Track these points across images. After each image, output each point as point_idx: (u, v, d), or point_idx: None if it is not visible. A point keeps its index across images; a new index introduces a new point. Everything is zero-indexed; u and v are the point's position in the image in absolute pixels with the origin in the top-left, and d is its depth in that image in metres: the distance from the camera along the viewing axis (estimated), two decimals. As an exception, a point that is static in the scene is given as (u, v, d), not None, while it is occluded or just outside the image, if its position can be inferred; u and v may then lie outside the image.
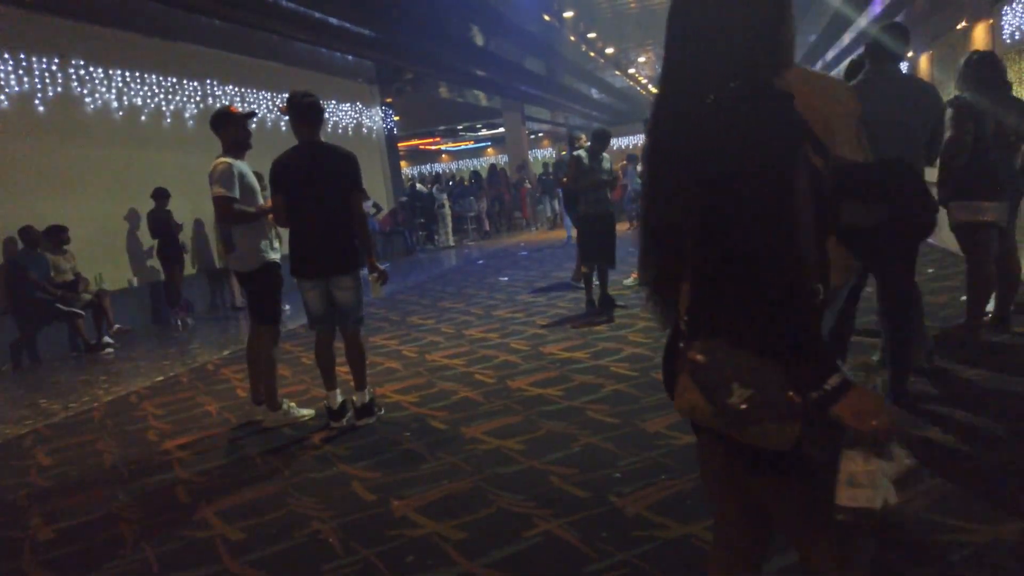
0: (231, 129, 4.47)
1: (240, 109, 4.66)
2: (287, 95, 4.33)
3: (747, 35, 1.34)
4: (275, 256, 4.53)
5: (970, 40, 14.95)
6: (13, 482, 4.14)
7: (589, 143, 7.07)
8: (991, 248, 4.43)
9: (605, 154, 7.01)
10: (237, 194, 4.33)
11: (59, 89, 8.81)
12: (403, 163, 26.12)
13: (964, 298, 4.78)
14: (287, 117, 4.36)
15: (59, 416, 5.48)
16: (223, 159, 4.40)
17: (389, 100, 17.66)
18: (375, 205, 14.34)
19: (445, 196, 17.44)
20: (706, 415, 1.35)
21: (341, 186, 4.19)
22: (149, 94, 10.12)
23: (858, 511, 1.25)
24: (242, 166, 4.44)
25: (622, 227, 7.26)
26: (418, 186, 18.71)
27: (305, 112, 4.22)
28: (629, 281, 8.33)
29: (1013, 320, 4.72)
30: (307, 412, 4.68)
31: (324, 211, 4.19)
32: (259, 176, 4.92)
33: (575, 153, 7.08)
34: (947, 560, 2.31)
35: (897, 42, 3.55)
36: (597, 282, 7.16)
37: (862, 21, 14.83)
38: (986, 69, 4.40)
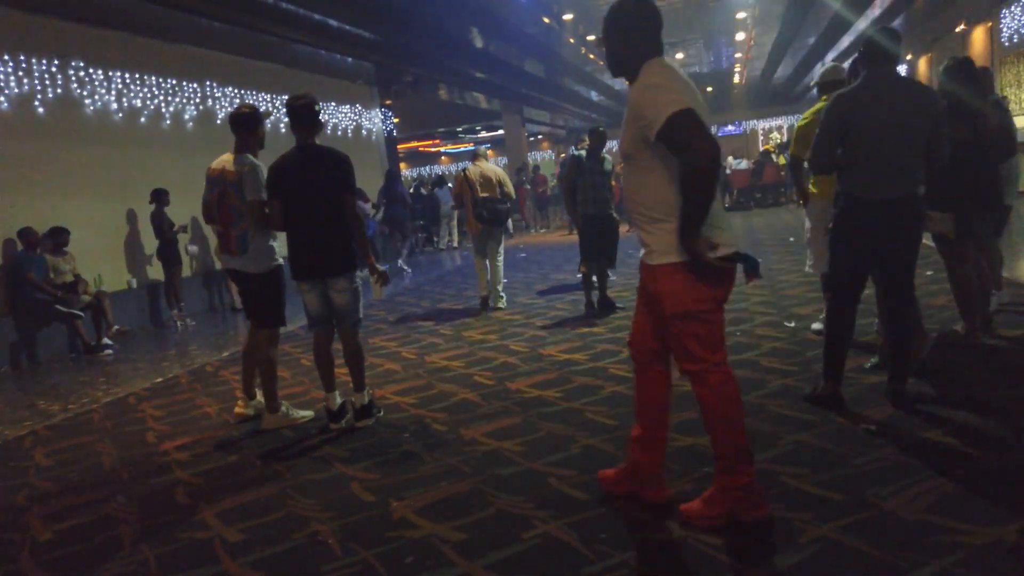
0: (260, 129, 4.50)
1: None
2: (287, 97, 4.34)
3: None
4: (280, 259, 4.55)
5: (969, 43, 14.96)
6: (12, 483, 4.14)
7: (587, 143, 7.07)
8: (965, 254, 4.52)
9: (606, 154, 7.00)
10: (266, 198, 4.36)
11: (59, 91, 8.82)
12: (402, 165, 26.16)
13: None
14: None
15: (58, 417, 5.47)
16: (252, 160, 4.39)
17: (388, 102, 17.66)
18: (374, 206, 14.33)
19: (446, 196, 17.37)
20: None
21: (335, 188, 4.20)
22: (149, 96, 10.13)
23: None
24: None
25: (621, 229, 7.25)
26: (421, 189, 18.66)
27: (299, 114, 4.23)
28: None
29: (988, 327, 4.79)
30: (306, 414, 4.69)
31: (319, 213, 4.20)
32: None
33: (574, 154, 7.08)
34: (947, 560, 2.31)
35: (891, 43, 3.55)
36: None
37: (861, 24, 14.84)
38: (961, 75, 4.42)
